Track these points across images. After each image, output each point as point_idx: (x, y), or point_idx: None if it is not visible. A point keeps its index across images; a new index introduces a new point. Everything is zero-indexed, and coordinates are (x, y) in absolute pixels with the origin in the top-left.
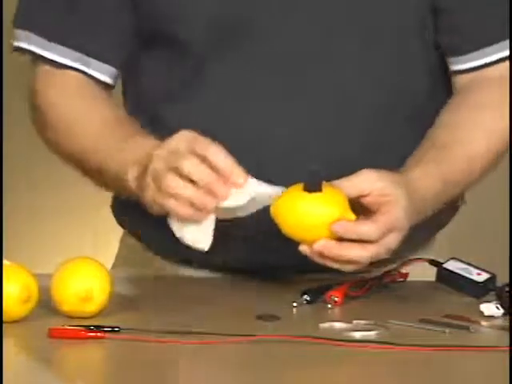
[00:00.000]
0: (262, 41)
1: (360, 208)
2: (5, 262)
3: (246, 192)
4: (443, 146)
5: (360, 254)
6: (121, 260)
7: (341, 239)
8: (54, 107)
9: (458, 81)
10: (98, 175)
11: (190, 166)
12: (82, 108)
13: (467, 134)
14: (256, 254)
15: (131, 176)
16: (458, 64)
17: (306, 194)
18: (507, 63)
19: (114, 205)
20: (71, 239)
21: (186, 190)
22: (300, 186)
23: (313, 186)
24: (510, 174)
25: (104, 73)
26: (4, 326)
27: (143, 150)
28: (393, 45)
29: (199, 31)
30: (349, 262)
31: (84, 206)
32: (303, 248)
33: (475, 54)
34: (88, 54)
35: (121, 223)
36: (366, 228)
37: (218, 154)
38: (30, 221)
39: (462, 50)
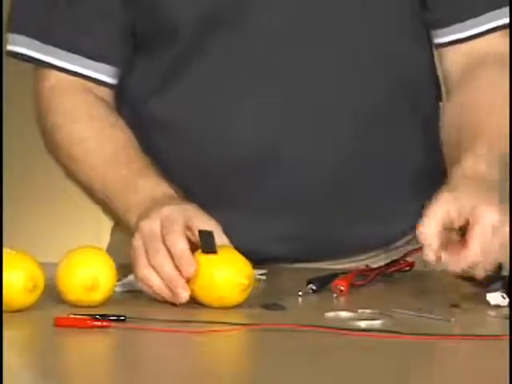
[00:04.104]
0: (250, 33)
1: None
2: (10, 250)
3: None
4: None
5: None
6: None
7: None
8: (59, 128)
9: (452, 63)
10: (102, 205)
11: (158, 259)
12: (90, 133)
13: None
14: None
15: (132, 221)
16: (442, 37)
17: (203, 255)
18: (492, 37)
19: None
20: (75, 228)
21: (153, 281)
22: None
23: (207, 248)
24: (510, 173)
25: (107, 74)
26: (9, 315)
27: (146, 196)
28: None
29: (188, 24)
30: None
31: None
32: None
33: (458, 25)
34: (89, 56)
35: None
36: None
37: (175, 243)
38: (34, 209)
39: (445, 22)
